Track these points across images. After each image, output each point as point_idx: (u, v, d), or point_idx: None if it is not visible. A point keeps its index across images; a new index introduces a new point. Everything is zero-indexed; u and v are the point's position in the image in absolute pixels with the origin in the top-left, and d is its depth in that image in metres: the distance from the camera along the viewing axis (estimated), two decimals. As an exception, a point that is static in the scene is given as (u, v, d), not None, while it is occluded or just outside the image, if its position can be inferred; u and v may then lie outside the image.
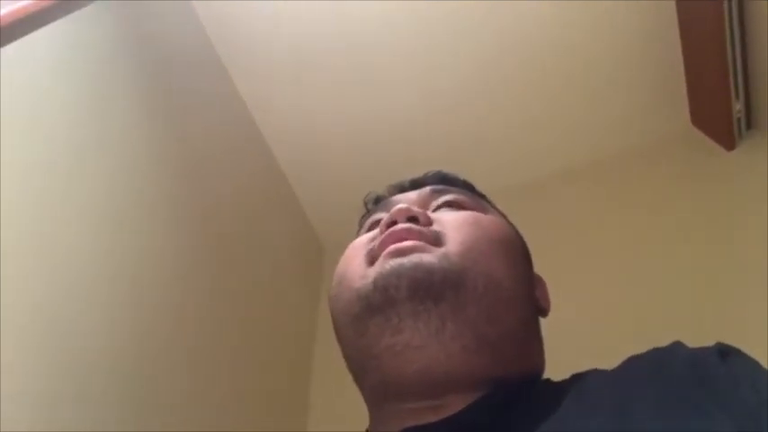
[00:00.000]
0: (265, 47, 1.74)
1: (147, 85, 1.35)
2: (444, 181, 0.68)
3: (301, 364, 1.62)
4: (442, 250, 0.51)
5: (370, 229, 0.63)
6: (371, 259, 0.53)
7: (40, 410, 0.79)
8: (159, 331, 1.08)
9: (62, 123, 1.04)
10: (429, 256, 0.49)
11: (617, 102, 1.77)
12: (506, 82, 1.77)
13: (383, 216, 0.62)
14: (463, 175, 0.71)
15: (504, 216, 0.66)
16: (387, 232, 0.54)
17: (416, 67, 1.76)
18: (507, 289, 0.52)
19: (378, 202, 0.69)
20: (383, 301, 0.48)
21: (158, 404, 1.03)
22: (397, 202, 0.62)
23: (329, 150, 1.87)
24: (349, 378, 0.59)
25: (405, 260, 0.49)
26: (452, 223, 0.55)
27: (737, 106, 1.53)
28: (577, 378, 0.48)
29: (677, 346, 0.46)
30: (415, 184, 0.68)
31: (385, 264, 0.50)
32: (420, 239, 0.52)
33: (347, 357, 0.56)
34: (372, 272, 0.51)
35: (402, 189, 0.69)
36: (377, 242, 0.54)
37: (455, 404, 0.47)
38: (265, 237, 1.67)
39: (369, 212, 0.69)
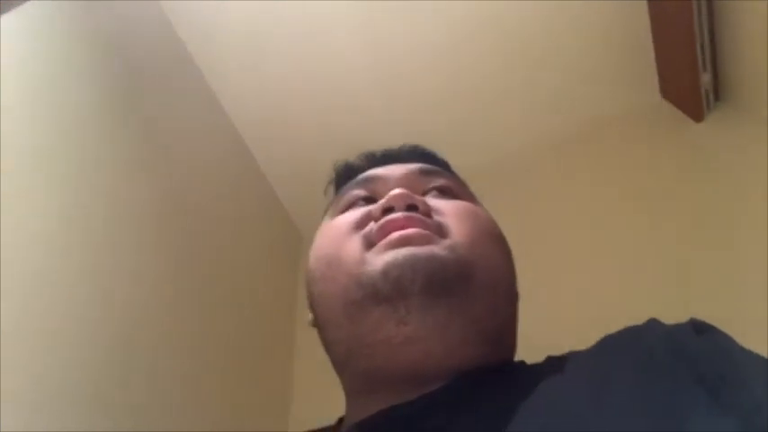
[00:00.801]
0: (225, 34, 1.71)
1: (111, 73, 1.32)
2: (424, 158, 0.66)
3: (283, 350, 1.62)
4: (448, 242, 0.49)
5: (348, 207, 0.60)
6: (368, 244, 0.51)
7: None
8: (133, 325, 1.07)
9: (25, 122, 1.02)
10: (439, 249, 0.48)
11: (586, 75, 1.78)
12: (474, 57, 1.76)
13: (361, 192, 0.60)
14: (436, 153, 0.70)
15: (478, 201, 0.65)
16: (385, 219, 0.51)
17: (383, 49, 1.75)
18: (506, 281, 0.53)
19: (350, 173, 0.66)
20: (394, 291, 0.46)
21: (133, 394, 1.02)
22: (382, 179, 0.60)
23: (302, 137, 1.86)
24: (330, 363, 0.58)
25: (417, 251, 0.47)
26: (452, 214, 0.54)
27: (706, 78, 1.55)
28: (553, 360, 0.49)
29: (652, 323, 0.46)
30: (390, 158, 0.66)
31: (396, 253, 0.47)
32: (423, 229, 0.50)
33: (332, 342, 0.54)
34: (378, 259, 0.48)
35: (376, 160, 0.66)
36: (374, 227, 0.52)
37: (434, 387, 0.47)
38: (242, 227, 1.66)
39: (339, 183, 0.67)
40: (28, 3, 0.94)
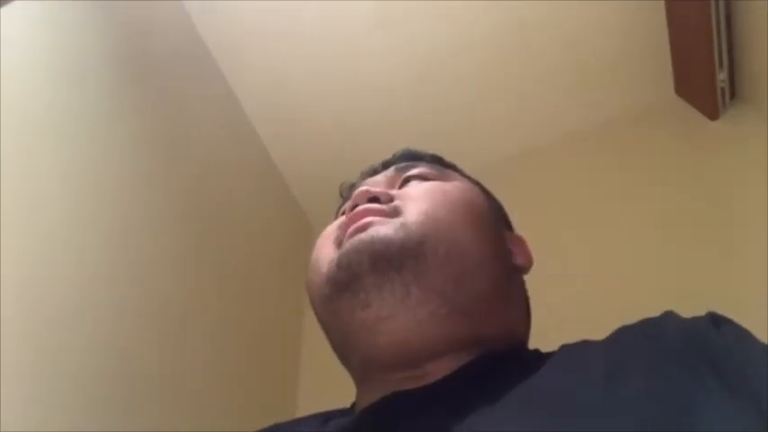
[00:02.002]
0: (244, 28, 1.71)
1: (129, 67, 1.33)
2: (411, 157, 0.68)
3: (291, 341, 1.63)
4: (399, 220, 0.52)
5: (339, 217, 0.64)
6: (338, 244, 0.54)
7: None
8: (140, 315, 1.07)
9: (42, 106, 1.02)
10: (385, 228, 0.51)
11: (601, 71, 1.76)
12: (489, 52, 1.75)
13: (349, 204, 0.63)
14: (446, 148, 0.71)
15: (474, 182, 0.66)
16: (349, 215, 0.55)
17: (398, 36, 1.74)
18: (472, 252, 0.53)
19: (351, 189, 0.69)
20: (348, 277, 0.49)
21: (143, 381, 1.03)
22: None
23: (314, 129, 1.86)
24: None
25: (363, 235, 0.51)
26: (413, 195, 0.56)
27: (721, 76, 1.53)
28: (566, 349, 0.49)
29: (669, 315, 0.46)
30: (386, 166, 0.69)
31: (346, 243, 0.52)
32: (378, 216, 0.53)
33: (330, 341, 0.57)
34: (336, 253, 0.52)
35: (374, 172, 0.69)
36: (341, 226, 0.56)
37: (436, 372, 0.48)
38: (253, 217, 1.66)
39: (343, 201, 0.70)
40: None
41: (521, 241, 0.64)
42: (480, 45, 1.74)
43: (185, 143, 1.45)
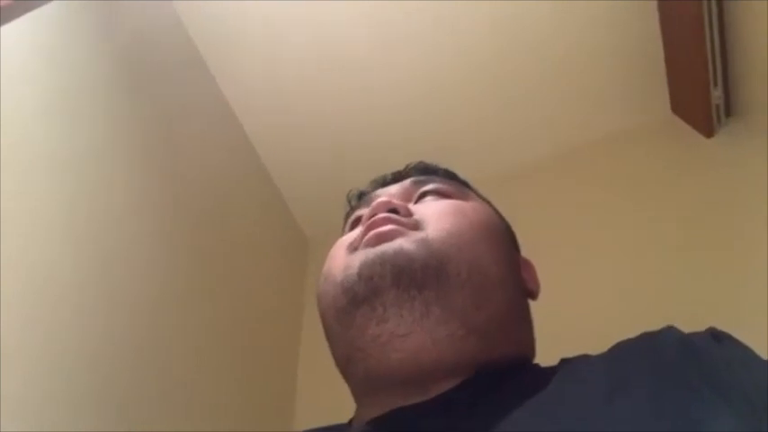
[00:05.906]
0: (239, 36, 1.72)
1: (121, 75, 1.33)
2: (425, 171, 0.68)
3: (288, 355, 1.62)
4: (421, 235, 0.51)
5: (352, 227, 0.63)
6: (353, 250, 0.54)
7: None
8: (139, 327, 1.07)
9: (34, 106, 1.03)
10: (409, 243, 0.50)
11: (596, 89, 1.78)
12: (485, 70, 1.77)
13: (363, 211, 0.62)
14: (444, 162, 0.71)
15: (487, 202, 0.66)
16: (367, 224, 0.54)
17: (397, 54, 1.75)
18: (492, 274, 0.53)
19: (360, 197, 0.69)
20: (368, 290, 0.48)
21: (139, 395, 1.02)
22: (379, 197, 0.62)
23: (310, 141, 1.86)
24: (335, 368, 0.59)
25: (386, 247, 0.49)
26: (433, 213, 0.56)
27: (716, 93, 1.55)
28: (566, 363, 0.49)
29: (669, 330, 0.46)
30: (397, 177, 0.68)
31: (368, 252, 0.50)
32: (398, 226, 0.52)
33: (334, 352, 0.56)
34: (355, 260, 0.51)
35: (384, 183, 0.68)
36: (358, 234, 0.55)
37: (442, 388, 0.47)
38: (248, 230, 1.66)
39: (352, 209, 0.69)
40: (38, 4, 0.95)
41: (530, 266, 0.64)
42: (472, 64, 1.75)
43: (177, 151, 1.45)
